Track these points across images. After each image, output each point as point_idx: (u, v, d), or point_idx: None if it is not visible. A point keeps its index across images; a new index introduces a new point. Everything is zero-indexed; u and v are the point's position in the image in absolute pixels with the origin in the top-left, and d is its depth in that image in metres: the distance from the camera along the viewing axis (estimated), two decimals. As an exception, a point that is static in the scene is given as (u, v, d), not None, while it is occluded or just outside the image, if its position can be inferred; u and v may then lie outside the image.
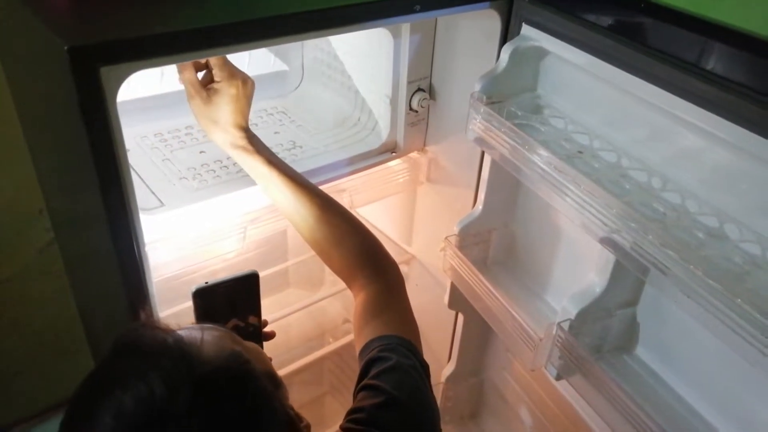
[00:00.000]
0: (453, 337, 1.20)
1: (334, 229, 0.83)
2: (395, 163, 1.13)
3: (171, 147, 1.03)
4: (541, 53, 0.87)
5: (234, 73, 0.81)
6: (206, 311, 0.70)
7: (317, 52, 1.19)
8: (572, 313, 0.79)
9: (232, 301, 0.69)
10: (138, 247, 0.78)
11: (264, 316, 0.79)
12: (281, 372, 0.78)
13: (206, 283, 0.68)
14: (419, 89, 1.06)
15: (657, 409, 0.76)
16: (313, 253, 1.35)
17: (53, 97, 0.70)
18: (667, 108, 0.69)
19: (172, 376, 0.46)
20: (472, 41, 0.97)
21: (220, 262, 1.13)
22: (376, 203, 1.17)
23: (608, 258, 0.77)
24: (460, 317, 1.17)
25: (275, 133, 1.10)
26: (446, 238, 1.01)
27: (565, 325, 0.80)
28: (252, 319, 0.72)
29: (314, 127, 1.12)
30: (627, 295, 0.82)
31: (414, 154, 1.14)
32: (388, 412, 0.66)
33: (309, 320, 1.59)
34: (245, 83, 0.81)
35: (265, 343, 0.79)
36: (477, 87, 0.88)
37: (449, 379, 1.21)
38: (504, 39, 0.88)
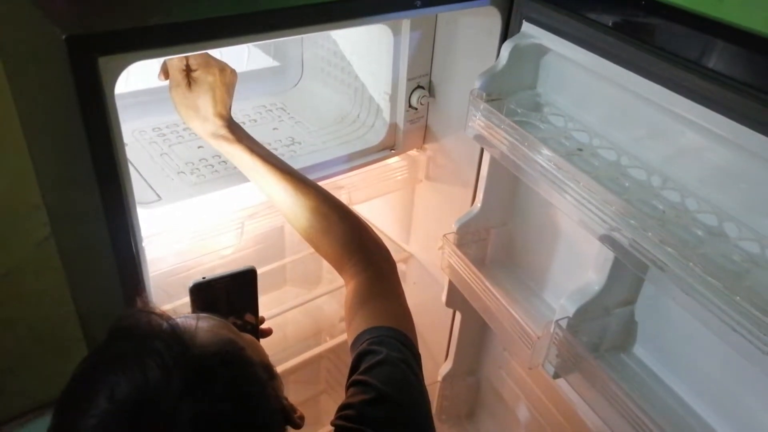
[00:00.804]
0: (450, 336, 1.20)
1: (321, 216, 0.82)
2: (394, 161, 1.13)
3: (169, 142, 1.02)
4: (541, 51, 0.87)
5: (209, 61, 0.81)
6: (203, 307, 0.69)
7: (317, 48, 1.19)
8: (570, 311, 0.79)
9: (229, 296, 0.68)
10: (135, 240, 0.77)
11: (261, 313, 0.79)
12: (277, 370, 0.77)
13: (204, 278, 0.67)
14: (419, 87, 1.06)
15: (654, 408, 0.76)
16: (310, 250, 1.35)
17: (51, 88, 0.69)
18: (667, 106, 0.68)
19: (166, 359, 0.46)
20: (472, 39, 0.96)
21: (217, 258, 1.12)
22: (374, 201, 1.17)
23: (607, 256, 0.77)
24: (458, 316, 1.16)
25: (274, 129, 1.10)
26: (444, 235, 1.01)
27: (563, 323, 0.79)
28: (249, 316, 0.71)
29: (313, 123, 1.12)
30: (625, 293, 0.82)
31: (413, 152, 1.14)
32: (378, 408, 0.65)
33: (306, 318, 1.59)
34: (223, 71, 0.81)
35: (261, 341, 0.78)
36: (477, 84, 0.87)
37: (446, 377, 1.21)
38: (504, 36, 0.88)
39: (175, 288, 0.97)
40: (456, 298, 1.07)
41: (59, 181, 0.94)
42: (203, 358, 0.48)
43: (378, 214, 1.31)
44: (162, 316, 0.52)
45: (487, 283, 0.92)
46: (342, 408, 0.66)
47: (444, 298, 1.11)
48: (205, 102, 0.81)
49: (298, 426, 0.60)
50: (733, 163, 0.67)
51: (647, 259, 0.64)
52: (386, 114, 1.07)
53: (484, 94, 0.86)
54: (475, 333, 1.18)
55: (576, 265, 0.91)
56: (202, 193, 0.91)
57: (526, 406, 1.13)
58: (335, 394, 1.62)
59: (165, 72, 0.82)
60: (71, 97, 0.61)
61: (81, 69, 0.58)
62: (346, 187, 1.06)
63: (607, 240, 0.70)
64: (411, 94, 1.05)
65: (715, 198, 0.70)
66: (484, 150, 0.96)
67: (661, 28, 0.71)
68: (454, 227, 1.01)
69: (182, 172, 0.95)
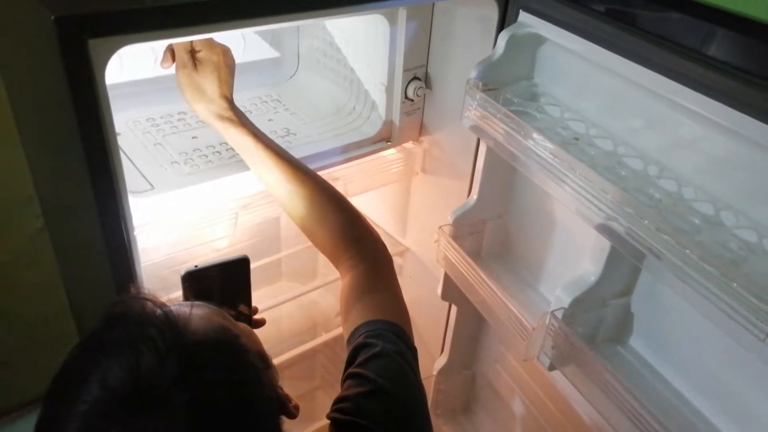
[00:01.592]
0: (446, 330, 1.19)
1: (317, 206, 0.82)
2: (390, 153, 1.12)
3: (163, 132, 1.02)
4: (538, 40, 0.86)
5: (213, 42, 0.82)
6: (196, 296, 0.68)
7: (313, 39, 1.18)
8: (566, 301, 0.79)
9: (222, 285, 0.67)
10: (126, 227, 0.76)
11: (256, 306, 0.78)
12: (272, 363, 0.77)
13: (196, 266, 0.66)
14: (415, 78, 1.05)
15: (651, 400, 0.75)
16: (306, 244, 1.35)
17: (41, 72, 0.68)
18: (665, 94, 0.68)
19: (160, 345, 0.45)
20: (469, 29, 0.96)
21: (212, 251, 1.12)
22: (370, 195, 1.16)
23: (603, 246, 0.77)
24: (454, 309, 1.16)
25: (269, 120, 1.09)
26: (440, 228, 1.00)
27: (559, 314, 0.79)
28: (242, 306, 0.70)
29: (308, 115, 1.11)
30: (621, 284, 0.81)
31: (409, 145, 1.14)
32: (374, 401, 0.65)
33: (301, 313, 1.58)
34: (225, 53, 0.83)
35: (255, 332, 0.78)
36: (473, 73, 0.87)
37: (441, 371, 1.20)
38: (501, 26, 0.88)
39: (167, 282, 0.96)
40: (452, 291, 1.07)
41: (51, 171, 0.93)
42: (197, 344, 0.48)
43: (374, 207, 1.30)
44: (156, 302, 0.51)
45: (483, 275, 0.91)
46: (338, 401, 0.66)
47: (440, 291, 1.10)
48: (210, 82, 0.82)
49: (293, 415, 0.59)
50: (731, 152, 0.67)
51: (643, 247, 0.64)
52: (382, 105, 1.07)
53: (481, 84, 0.86)
54: (471, 327, 1.18)
55: (572, 256, 0.91)
56: (195, 183, 0.90)
57: (521, 399, 1.13)
58: (330, 389, 1.61)
59: (169, 57, 0.82)
60: (61, 81, 0.60)
61: (71, 51, 0.57)
62: (341, 179, 1.05)
63: (604, 229, 0.70)
64: (407, 85, 1.05)
65: (712, 187, 0.69)
66: (481, 141, 0.96)
67: (659, 15, 0.70)
68: (449, 219, 1.00)
69: (176, 162, 0.94)
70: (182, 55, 0.81)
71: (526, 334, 0.85)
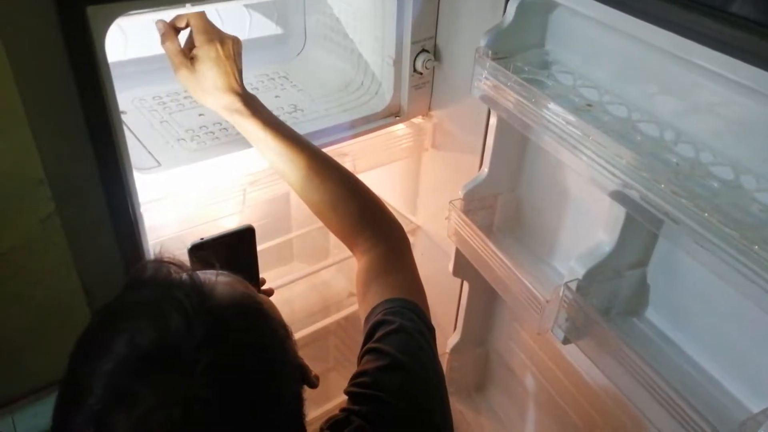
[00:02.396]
0: (458, 307, 1.18)
1: (332, 192, 0.81)
2: (399, 128, 1.10)
3: (169, 110, 1.01)
4: (549, 6, 0.84)
5: (211, 36, 0.78)
6: (204, 268, 0.68)
7: (319, 15, 1.16)
8: (580, 273, 0.77)
9: (229, 256, 0.67)
10: (132, 203, 0.76)
11: (268, 286, 0.78)
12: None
13: (202, 239, 0.66)
14: (423, 50, 1.03)
15: (667, 371, 0.74)
16: (317, 225, 1.34)
17: (42, 45, 0.67)
18: (682, 55, 0.65)
19: (186, 307, 0.45)
20: (478, -2, 0.93)
21: (220, 229, 1.11)
22: (380, 173, 1.15)
23: (618, 215, 0.74)
24: (466, 287, 1.14)
25: (276, 96, 1.08)
26: (451, 202, 0.98)
27: (573, 286, 0.77)
28: (250, 276, 0.70)
29: (316, 91, 1.09)
30: (637, 254, 0.79)
31: (418, 120, 1.12)
32: (393, 374, 0.65)
33: (313, 294, 1.58)
34: (224, 44, 0.78)
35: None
36: (482, 42, 0.85)
37: (454, 349, 1.19)
38: (511, -8, 0.85)
39: (177, 258, 0.95)
40: (463, 267, 1.05)
41: (58, 150, 0.93)
42: (223, 308, 0.48)
43: (384, 186, 1.28)
44: (181, 267, 0.51)
45: (495, 248, 0.89)
46: (356, 376, 0.66)
47: (451, 267, 1.09)
48: (212, 79, 0.78)
49: (313, 385, 0.60)
50: (752, 113, 0.64)
51: (660, 212, 0.62)
52: (390, 80, 1.05)
53: (490, 52, 0.84)
54: (484, 304, 1.16)
55: (586, 228, 0.89)
56: (202, 159, 0.89)
57: (535, 376, 1.11)
58: (344, 370, 1.61)
59: (167, 32, 0.79)
60: (61, 51, 0.59)
61: (69, 19, 0.56)
62: (350, 155, 1.03)
63: (619, 196, 0.68)
64: (416, 58, 1.03)
65: (732, 150, 0.67)
66: (491, 113, 0.94)
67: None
68: (460, 194, 0.98)
69: (182, 139, 0.94)
70: (174, 60, 0.78)
71: (540, 307, 0.83)
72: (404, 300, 0.72)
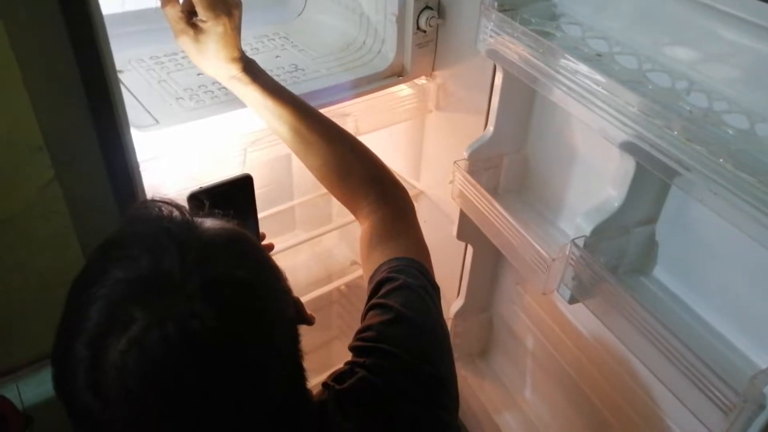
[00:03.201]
0: (462, 272, 1.17)
1: (335, 156, 0.80)
2: (402, 89, 1.08)
3: (167, 69, 0.98)
4: (557, -45, 0.81)
5: (218, 11, 0.75)
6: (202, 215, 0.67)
7: (320, -28, 1.13)
8: (587, 229, 0.75)
9: (227, 205, 0.65)
10: (130, 160, 0.74)
11: (268, 242, 0.77)
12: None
13: (200, 187, 0.64)
14: (427, 7, 1.00)
15: (677, 329, 0.72)
16: (319, 193, 1.32)
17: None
18: (697, -1, 0.63)
19: (178, 234, 0.46)
20: (483, -51, 0.90)
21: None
22: (383, 137, 1.13)
23: (627, 169, 0.73)
24: (469, 252, 1.13)
25: (276, 57, 1.05)
26: (455, 162, 0.96)
27: (580, 242, 0.75)
28: (250, 227, 0.69)
29: (317, 51, 1.07)
30: (646, 211, 0.77)
31: (422, 81, 1.09)
32: (397, 327, 0.64)
33: (316, 263, 1.57)
34: (231, 16, 0.76)
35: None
36: (488, -7, 0.82)
37: (458, 314, 1.18)
38: (518, -59, 0.82)
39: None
40: (468, 230, 1.04)
41: (56, 114, 0.91)
42: (213, 236, 0.49)
43: (387, 150, 1.26)
44: (174, 205, 0.51)
45: (500, 208, 0.88)
46: (360, 331, 0.66)
47: (455, 231, 1.07)
48: (216, 50, 0.76)
49: (309, 322, 0.59)
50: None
51: (673, 160, 0.60)
52: (393, 38, 1.02)
53: (496, 4, 0.81)
54: (488, 267, 1.15)
55: (593, 187, 0.87)
56: (200, 117, 0.87)
57: (540, 341, 1.10)
58: (347, 339, 1.60)
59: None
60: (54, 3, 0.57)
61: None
62: (352, 115, 1.01)
63: (629, 147, 0.66)
64: (419, 15, 1.00)
65: (746, 99, 0.65)
66: (497, 72, 0.91)
67: None
68: (465, 154, 0.96)
69: (181, 98, 0.91)
70: (176, 26, 0.76)
71: (546, 266, 0.82)
72: (409, 258, 0.71)
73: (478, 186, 0.92)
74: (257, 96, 0.79)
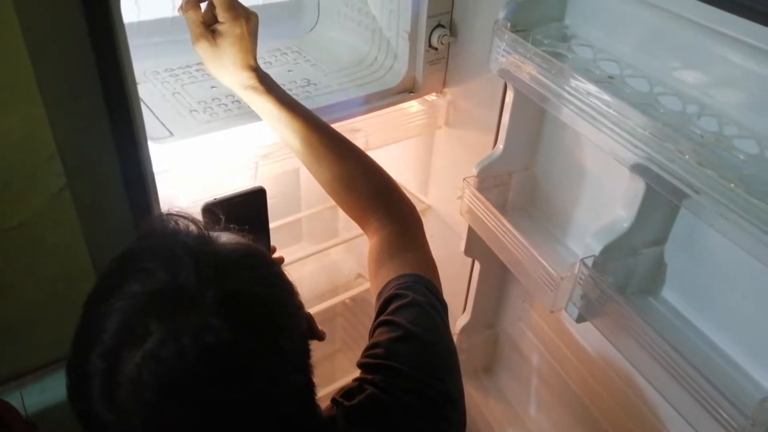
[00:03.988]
0: (468, 288, 1.17)
1: (346, 170, 0.81)
2: (412, 105, 1.09)
3: (182, 81, 1.00)
4: (570, -22, 0.82)
5: (237, 12, 0.76)
6: (216, 227, 0.68)
7: (333, -11, 1.14)
8: (596, 249, 0.76)
9: (241, 217, 0.66)
10: (146, 173, 0.75)
11: (278, 255, 0.77)
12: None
13: (215, 198, 0.65)
14: (439, 25, 1.01)
15: (685, 351, 0.73)
16: (326, 205, 1.33)
17: (55, 4, 0.66)
18: (709, 24, 0.64)
19: (193, 248, 0.47)
20: (496, -30, 0.91)
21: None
22: (392, 152, 1.14)
23: (637, 191, 0.73)
24: (476, 268, 1.13)
25: (288, 71, 1.06)
26: (464, 179, 0.97)
27: (589, 262, 0.76)
28: (261, 239, 0.69)
29: (329, 66, 1.08)
30: (655, 232, 0.78)
31: (432, 97, 1.10)
32: (405, 345, 0.65)
33: (322, 275, 1.57)
34: (249, 20, 0.77)
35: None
36: (501, 14, 0.83)
37: (464, 330, 1.18)
38: (531, -37, 0.83)
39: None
40: (475, 246, 1.04)
41: (71, 123, 0.92)
42: (229, 252, 0.50)
43: (396, 165, 1.27)
44: (189, 219, 0.52)
45: (508, 225, 0.88)
46: (368, 348, 0.66)
47: (462, 247, 1.07)
48: (233, 55, 0.77)
49: (321, 338, 0.59)
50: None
51: (684, 183, 0.60)
52: (405, 55, 1.03)
53: (509, 24, 0.82)
54: (494, 284, 1.15)
55: (602, 207, 0.87)
56: (214, 130, 0.88)
57: (545, 359, 1.10)
58: (351, 353, 1.61)
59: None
60: (76, 13, 0.58)
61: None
62: (362, 130, 1.02)
63: (640, 169, 0.66)
64: (431, 33, 1.01)
65: (757, 125, 0.65)
66: (507, 90, 0.92)
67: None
68: (474, 171, 0.97)
69: (195, 110, 0.93)
70: (195, 30, 0.77)
71: (554, 284, 0.82)
72: (417, 275, 0.72)
73: (487, 203, 0.93)
74: (271, 107, 0.79)
